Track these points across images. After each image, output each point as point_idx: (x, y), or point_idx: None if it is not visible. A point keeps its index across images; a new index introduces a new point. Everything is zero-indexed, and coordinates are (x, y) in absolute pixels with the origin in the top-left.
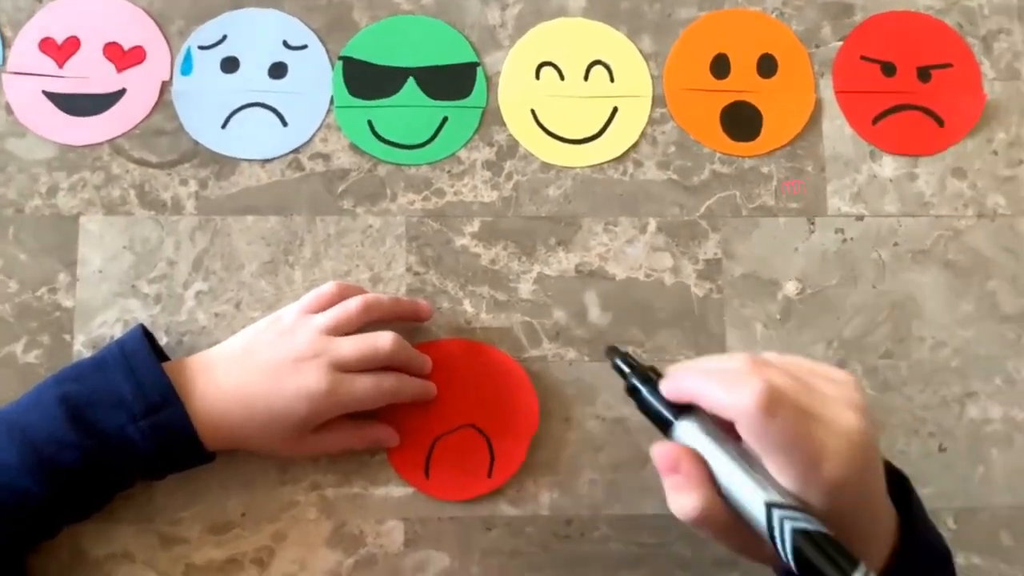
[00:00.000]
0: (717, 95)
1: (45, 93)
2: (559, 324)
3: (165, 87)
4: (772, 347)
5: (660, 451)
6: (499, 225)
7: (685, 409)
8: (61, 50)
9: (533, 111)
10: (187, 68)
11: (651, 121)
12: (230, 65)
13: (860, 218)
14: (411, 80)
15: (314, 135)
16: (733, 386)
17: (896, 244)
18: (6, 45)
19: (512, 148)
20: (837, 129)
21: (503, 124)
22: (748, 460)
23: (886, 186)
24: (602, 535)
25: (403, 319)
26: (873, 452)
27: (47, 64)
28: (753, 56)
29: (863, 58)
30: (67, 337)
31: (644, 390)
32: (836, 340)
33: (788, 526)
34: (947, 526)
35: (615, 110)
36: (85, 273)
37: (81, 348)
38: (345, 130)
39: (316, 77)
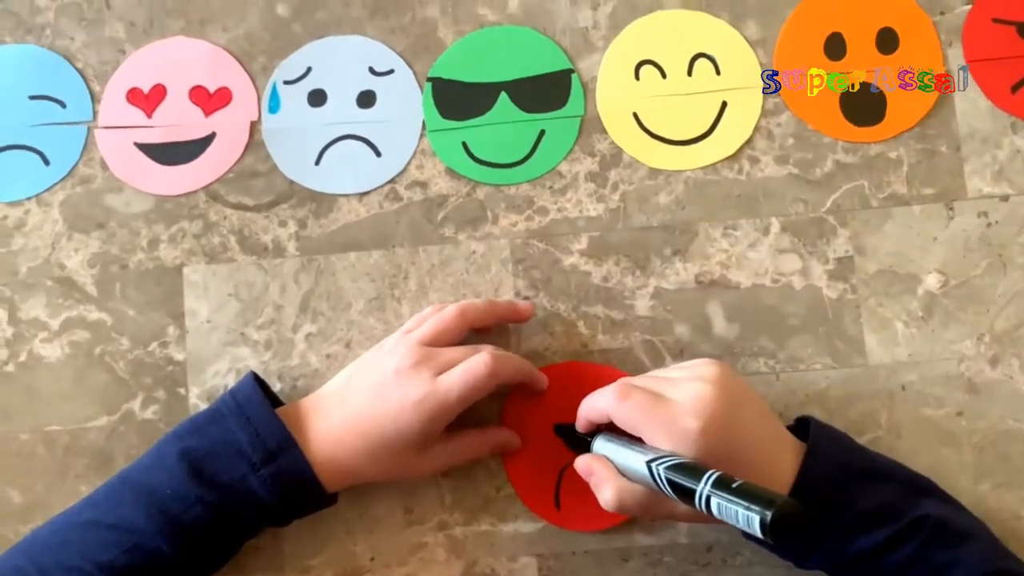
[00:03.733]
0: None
1: (137, 145)
2: (682, 340)
3: (254, 127)
4: (916, 347)
5: (577, 464)
6: (608, 239)
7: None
8: (148, 99)
9: (635, 114)
10: (274, 106)
11: (764, 113)
12: (317, 98)
13: (1005, 198)
14: (503, 95)
15: (409, 163)
16: (600, 394)
17: None
18: (95, 100)
19: (616, 156)
20: (971, 103)
21: (604, 132)
22: (639, 445)
23: None
24: (745, 560)
25: (503, 320)
26: (727, 405)
27: (136, 115)
28: (871, 31)
29: (995, 20)
30: (182, 391)
31: (566, 430)
32: (987, 334)
33: (661, 469)
34: None
35: (724, 105)
36: (193, 325)
37: (196, 401)
38: (440, 155)
39: (406, 102)
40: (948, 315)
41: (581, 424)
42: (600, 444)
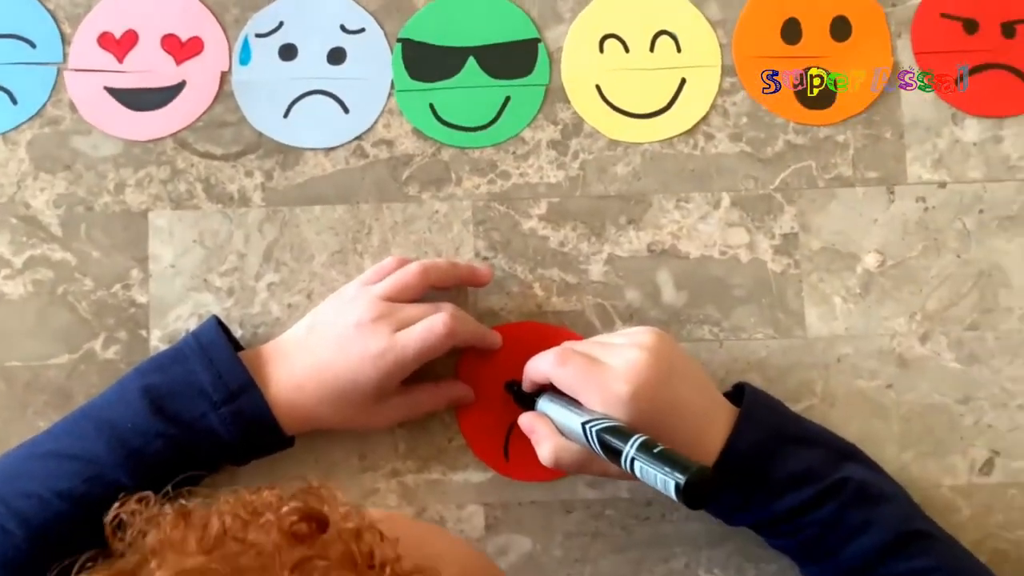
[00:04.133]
0: (789, 62)
1: (107, 89)
2: (632, 305)
3: (225, 78)
4: (852, 322)
5: (520, 421)
6: (567, 206)
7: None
8: (120, 44)
9: (598, 86)
10: (245, 57)
11: (721, 92)
12: (288, 52)
13: (942, 185)
14: (471, 60)
15: (376, 121)
16: (542, 357)
17: (981, 211)
18: (65, 42)
19: (577, 126)
20: (916, 93)
21: (567, 101)
22: (576, 406)
23: (969, 150)
24: (683, 515)
25: (463, 283)
26: (659, 372)
27: (107, 59)
28: (826, 19)
29: (943, 15)
30: (143, 332)
31: (516, 387)
32: (919, 313)
33: (594, 430)
34: None
35: (683, 81)
36: (157, 269)
37: (158, 343)
38: (407, 115)
39: (375, 61)
40: (884, 293)
41: (526, 384)
42: (543, 403)
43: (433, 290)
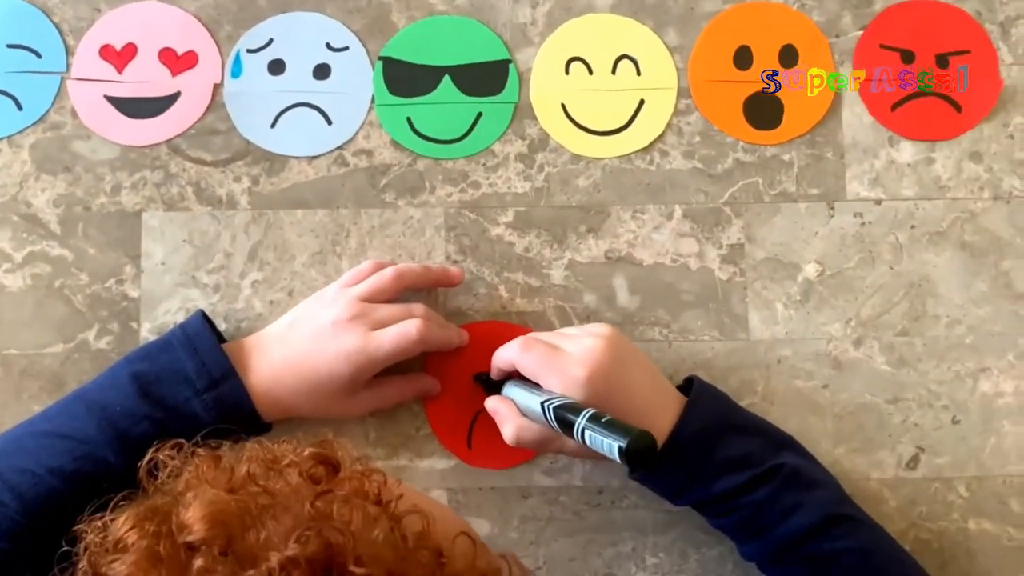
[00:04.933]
0: (740, 86)
1: (107, 97)
2: (589, 307)
3: (217, 89)
4: (792, 327)
5: (487, 404)
6: (532, 215)
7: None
8: (120, 56)
9: (563, 105)
10: (237, 71)
11: (676, 112)
12: (277, 67)
13: (878, 202)
14: (447, 78)
15: (357, 132)
16: (508, 346)
17: (913, 227)
18: (69, 53)
19: (543, 141)
20: (856, 117)
21: (535, 118)
22: (538, 389)
23: (904, 171)
24: (631, 503)
25: (436, 284)
26: (612, 359)
27: (108, 70)
28: (775, 47)
29: (883, 46)
30: (134, 325)
31: (484, 377)
32: (854, 319)
33: (551, 407)
34: (959, 493)
35: (642, 102)
36: (149, 265)
37: (147, 334)
38: (386, 127)
39: (358, 77)
40: (822, 300)
41: (493, 372)
42: (508, 388)
43: (407, 291)
